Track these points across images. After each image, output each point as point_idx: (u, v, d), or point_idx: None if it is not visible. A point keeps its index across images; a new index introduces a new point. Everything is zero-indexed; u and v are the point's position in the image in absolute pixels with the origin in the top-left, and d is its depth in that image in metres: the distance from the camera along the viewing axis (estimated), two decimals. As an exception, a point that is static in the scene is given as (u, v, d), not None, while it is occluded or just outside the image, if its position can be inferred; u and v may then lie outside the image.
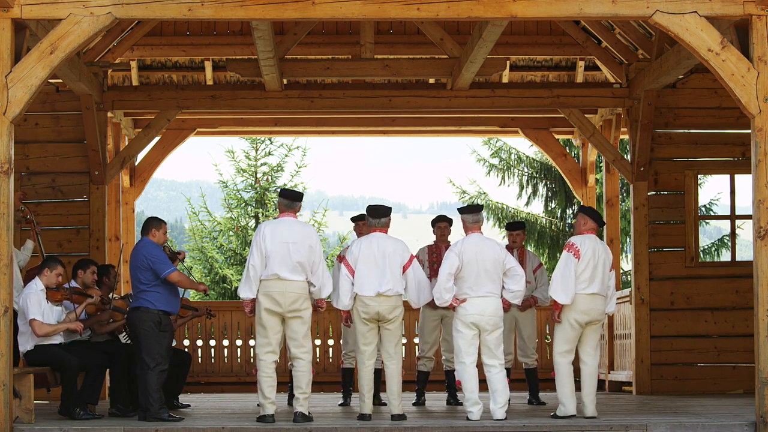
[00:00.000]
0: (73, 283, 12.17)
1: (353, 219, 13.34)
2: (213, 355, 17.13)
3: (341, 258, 12.88)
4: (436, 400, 13.76)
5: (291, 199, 11.04)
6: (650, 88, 14.62)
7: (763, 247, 10.19)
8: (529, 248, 14.02)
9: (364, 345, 11.14)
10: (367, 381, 11.07)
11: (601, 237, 19.34)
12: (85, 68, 14.32)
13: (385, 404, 12.41)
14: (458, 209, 11.45)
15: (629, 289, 15.38)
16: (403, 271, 11.07)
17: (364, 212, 12.83)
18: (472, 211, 11.26)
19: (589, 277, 11.12)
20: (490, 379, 10.95)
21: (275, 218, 11.20)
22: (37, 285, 11.41)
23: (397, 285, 11.02)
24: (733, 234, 16.04)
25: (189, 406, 13.00)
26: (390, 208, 11.44)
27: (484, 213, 11.41)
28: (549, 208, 26.42)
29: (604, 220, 11.71)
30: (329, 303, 11.49)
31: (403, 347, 17.07)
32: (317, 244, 10.92)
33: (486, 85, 15.92)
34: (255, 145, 28.00)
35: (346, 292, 11.11)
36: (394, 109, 15.83)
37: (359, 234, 12.99)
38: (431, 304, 12.08)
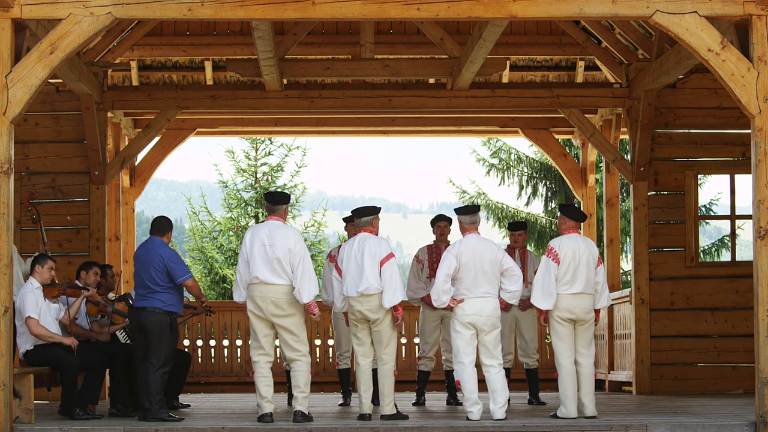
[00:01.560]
0: (76, 282, 12.18)
1: (345, 219, 13.36)
2: (213, 355, 17.12)
3: (332, 257, 12.91)
4: (436, 400, 13.76)
5: (272, 202, 11.04)
6: (650, 88, 14.61)
7: (763, 247, 10.19)
8: (528, 248, 14.01)
9: (357, 345, 11.18)
10: (363, 381, 11.06)
11: (600, 238, 19.36)
12: (85, 68, 14.31)
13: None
14: (455, 210, 11.45)
15: (629, 289, 15.37)
16: (380, 269, 11.01)
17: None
18: (468, 211, 11.26)
19: (571, 279, 11.14)
20: (489, 379, 10.95)
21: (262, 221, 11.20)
22: (33, 284, 11.39)
23: (377, 283, 10.96)
24: (733, 234, 16.03)
25: (189, 406, 13.00)
26: (374, 208, 11.35)
27: (482, 213, 11.42)
28: (549, 208, 26.42)
29: (585, 213, 11.63)
30: (327, 304, 11.48)
31: (403, 347, 17.07)
32: (297, 245, 10.77)
33: (486, 85, 15.91)
34: (255, 145, 28.00)
35: (338, 295, 11.22)
36: (394, 109, 15.82)
37: (351, 234, 13.01)
38: (431, 305, 12.08)
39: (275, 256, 10.70)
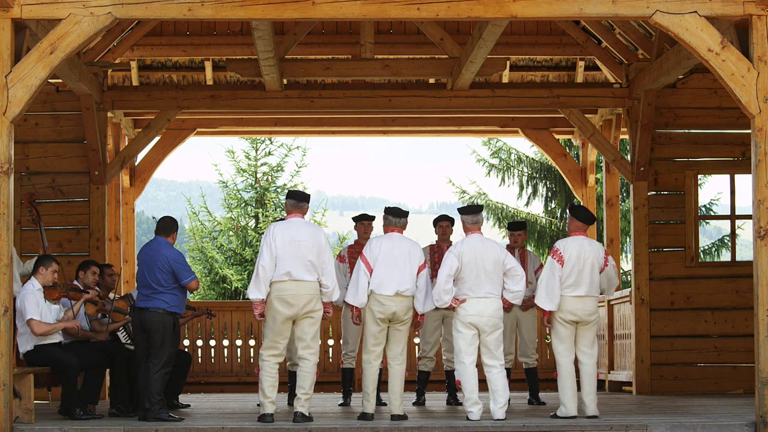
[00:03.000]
0: (75, 283, 12.17)
1: (354, 219, 13.36)
2: (213, 355, 17.12)
3: (341, 257, 12.94)
4: (436, 400, 13.76)
5: (298, 199, 11.04)
6: (650, 88, 14.61)
7: (763, 247, 10.19)
8: (528, 248, 14.02)
9: (375, 345, 11.08)
10: (372, 381, 11.03)
11: (601, 238, 19.34)
12: (85, 68, 14.31)
13: (385, 404, 12.40)
14: (458, 209, 11.45)
15: (629, 289, 15.37)
16: (417, 274, 11.07)
17: (365, 213, 12.91)
18: (471, 211, 11.26)
19: (575, 281, 11.13)
20: (490, 380, 10.95)
21: (283, 219, 11.17)
22: (34, 285, 11.38)
23: (414, 286, 11.04)
24: (733, 234, 16.03)
25: (189, 406, 13.00)
26: (406, 211, 11.43)
27: (484, 213, 11.41)
28: (549, 208, 26.43)
29: (595, 215, 11.64)
30: (337, 305, 11.48)
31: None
32: (326, 243, 10.92)
33: (486, 85, 15.92)
34: (255, 145, 28.01)
35: (364, 289, 11.03)
36: (394, 109, 15.83)
37: (360, 234, 13.00)
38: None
39: (309, 255, 10.70)
